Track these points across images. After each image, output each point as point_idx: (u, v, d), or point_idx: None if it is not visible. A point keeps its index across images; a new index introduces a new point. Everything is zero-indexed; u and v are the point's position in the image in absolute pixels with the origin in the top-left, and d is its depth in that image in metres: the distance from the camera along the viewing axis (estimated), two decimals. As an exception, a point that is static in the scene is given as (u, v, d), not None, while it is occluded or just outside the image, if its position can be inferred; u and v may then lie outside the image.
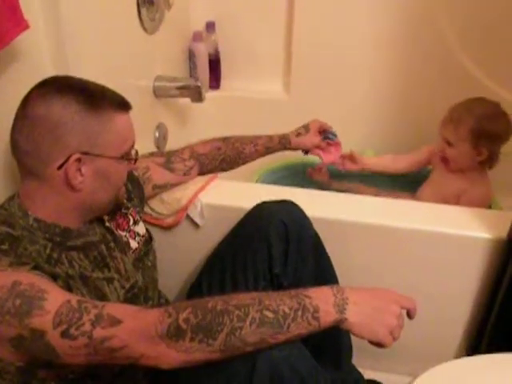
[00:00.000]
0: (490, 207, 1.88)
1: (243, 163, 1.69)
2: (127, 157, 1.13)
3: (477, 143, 1.78)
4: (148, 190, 1.44)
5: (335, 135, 1.86)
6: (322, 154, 1.86)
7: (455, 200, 1.85)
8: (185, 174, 1.55)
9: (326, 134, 1.82)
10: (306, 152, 1.85)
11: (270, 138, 1.73)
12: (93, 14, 1.46)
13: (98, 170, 1.08)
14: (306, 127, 1.80)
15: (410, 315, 1.08)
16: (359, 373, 1.54)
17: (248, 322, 0.96)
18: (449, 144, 1.82)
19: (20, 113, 1.06)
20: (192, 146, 1.60)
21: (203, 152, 1.60)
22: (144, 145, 1.60)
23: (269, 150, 1.73)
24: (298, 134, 1.78)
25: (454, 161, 1.85)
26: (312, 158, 1.90)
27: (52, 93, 1.04)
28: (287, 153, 1.82)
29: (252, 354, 1.00)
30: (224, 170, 1.67)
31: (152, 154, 1.54)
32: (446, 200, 1.85)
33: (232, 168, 1.68)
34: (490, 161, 1.83)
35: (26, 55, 1.23)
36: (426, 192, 1.97)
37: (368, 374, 1.55)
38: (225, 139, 1.66)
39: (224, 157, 1.63)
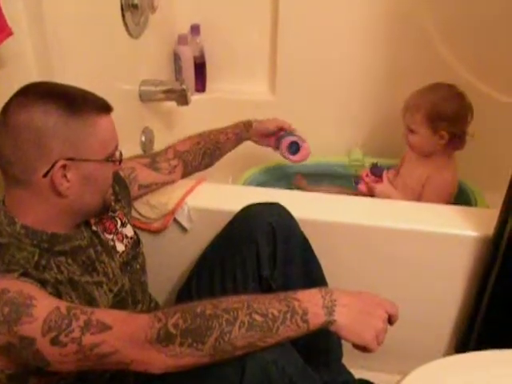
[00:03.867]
0: (456, 195, 1.91)
1: (221, 154, 1.75)
2: (112, 159, 1.13)
3: (435, 127, 1.80)
4: (134, 190, 1.45)
5: (304, 140, 1.91)
6: (288, 156, 1.91)
7: (420, 187, 1.88)
8: (170, 173, 1.56)
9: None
10: (277, 147, 1.90)
11: (236, 124, 1.80)
12: (77, 19, 1.45)
13: (83, 174, 1.08)
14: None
15: (391, 321, 1.09)
16: (349, 373, 1.54)
17: (237, 326, 0.97)
18: (411, 131, 1.85)
19: (1, 121, 1.04)
20: (174, 146, 1.61)
21: (185, 149, 1.62)
22: (130, 149, 1.60)
23: (238, 137, 1.79)
24: (260, 121, 1.84)
25: (418, 146, 1.87)
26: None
27: (33, 100, 1.03)
28: (271, 155, 1.83)
29: (242, 357, 1.00)
30: (208, 165, 1.70)
31: (136, 157, 1.54)
32: (413, 188, 1.89)
33: (213, 162, 1.72)
34: (454, 143, 1.84)
35: (10, 61, 1.22)
36: (396, 185, 1.98)
37: (358, 374, 1.55)
38: (200, 134, 1.70)
39: (204, 150, 1.66)
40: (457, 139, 1.83)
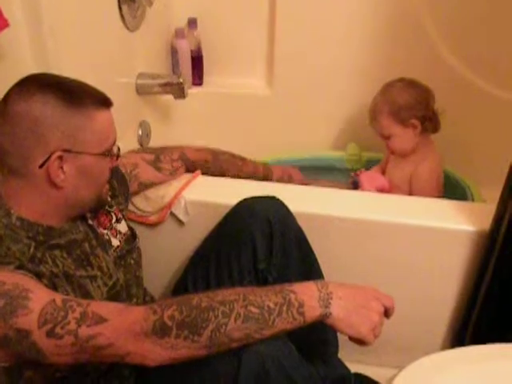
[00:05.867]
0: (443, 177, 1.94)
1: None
2: (109, 153, 1.13)
3: (403, 120, 1.81)
4: (133, 186, 1.45)
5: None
6: None
7: (407, 185, 1.90)
8: (171, 174, 1.56)
9: None
10: None
11: (255, 170, 1.78)
12: (74, 12, 1.45)
13: (80, 167, 1.08)
14: (290, 178, 1.88)
15: (387, 314, 1.09)
16: (346, 367, 1.54)
17: (233, 318, 0.97)
18: (386, 137, 1.86)
19: (0, 112, 1.05)
20: (183, 148, 1.61)
21: (192, 159, 1.62)
22: (127, 142, 1.60)
23: (248, 177, 1.76)
24: (280, 179, 1.85)
25: (400, 148, 1.88)
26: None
27: (32, 91, 1.03)
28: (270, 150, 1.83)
29: (238, 349, 1.00)
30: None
31: (141, 151, 1.54)
32: (400, 187, 1.91)
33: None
34: (429, 126, 1.85)
35: (6, 53, 1.22)
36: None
37: (354, 368, 1.56)
38: (214, 154, 1.68)
39: (207, 171, 1.65)
40: (428, 122, 1.84)
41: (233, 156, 1.73)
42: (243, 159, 1.75)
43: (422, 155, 1.88)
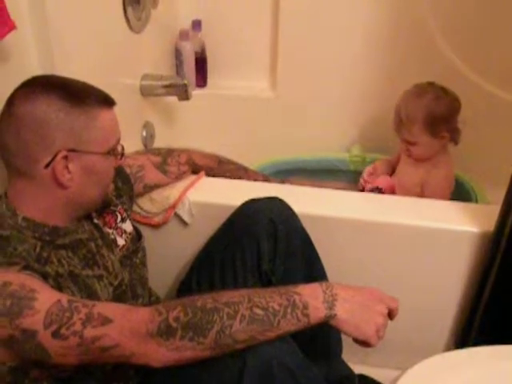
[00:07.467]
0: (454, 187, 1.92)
1: None
2: (113, 152, 1.14)
3: (435, 131, 1.78)
4: (138, 188, 1.45)
5: None
6: None
7: (418, 187, 1.89)
8: (176, 178, 1.57)
9: None
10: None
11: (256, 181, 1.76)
12: (79, 14, 1.45)
13: (85, 166, 1.08)
14: None
15: (391, 316, 1.09)
16: (349, 368, 1.54)
17: (238, 320, 0.97)
18: (410, 143, 1.83)
19: (5, 113, 1.06)
20: (190, 153, 1.62)
21: (199, 164, 1.63)
22: (131, 144, 1.60)
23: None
24: None
25: (422, 154, 1.86)
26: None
27: (36, 91, 1.04)
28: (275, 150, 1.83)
29: (242, 351, 1.00)
30: None
31: (149, 152, 1.54)
32: (410, 189, 1.89)
33: None
34: (453, 137, 1.84)
35: (12, 55, 1.22)
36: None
37: (357, 369, 1.56)
38: (220, 163, 1.70)
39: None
40: (455, 133, 1.83)
41: (237, 167, 1.74)
42: (246, 170, 1.77)
43: (437, 160, 1.87)
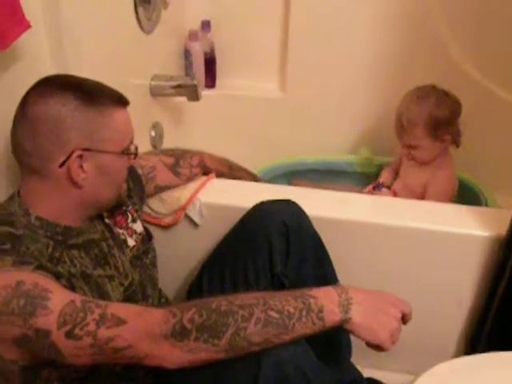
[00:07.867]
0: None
1: None
2: (127, 152, 1.14)
3: (437, 134, 1.79)
4: (149, 189, 1.45)
5: None
6: None
7: (421, 188, 1.89)
8: (188, 179, 1.57)
9: None
10: None
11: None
12: (92, 14, 1.46)
13: (99, 165, 1.09)
14: None
15: (404, 320, 1.09)
16: (358, 371, 1.54)
17: (253, 322, 0.96)
18: (412, 147, 1.83)
19: (19, 113, 1.06)
20: (202, 155, 1.62)
21: (210, 167, 1.63)
22: (140, 144, 1.59)
23: None
24: None
25: (423, 157, 1.86)
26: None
27: (51, 91, 1.05)
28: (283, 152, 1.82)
29: (257, 353, 1.00)
30: None
31: (162, 152, 1.54)
32: (413, 190, 1.90)
33: None
34: (455, 140, 1.84)
35: (26, 55, 1.22)
36: (395, 186, 2.00)
37: (367, 373, 1.55)
38: (231, 169, 1.70)
39: None
40: (456, 135, 1.83)
41: (247, 174, 1.75)
42: (255, 178, 1.78)
43: (439, 162, 1.87)
